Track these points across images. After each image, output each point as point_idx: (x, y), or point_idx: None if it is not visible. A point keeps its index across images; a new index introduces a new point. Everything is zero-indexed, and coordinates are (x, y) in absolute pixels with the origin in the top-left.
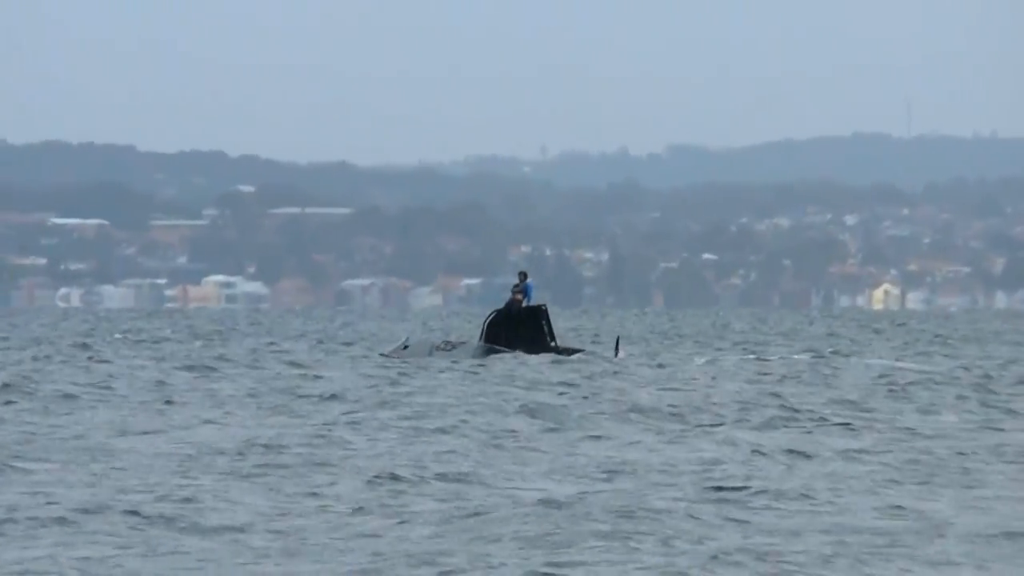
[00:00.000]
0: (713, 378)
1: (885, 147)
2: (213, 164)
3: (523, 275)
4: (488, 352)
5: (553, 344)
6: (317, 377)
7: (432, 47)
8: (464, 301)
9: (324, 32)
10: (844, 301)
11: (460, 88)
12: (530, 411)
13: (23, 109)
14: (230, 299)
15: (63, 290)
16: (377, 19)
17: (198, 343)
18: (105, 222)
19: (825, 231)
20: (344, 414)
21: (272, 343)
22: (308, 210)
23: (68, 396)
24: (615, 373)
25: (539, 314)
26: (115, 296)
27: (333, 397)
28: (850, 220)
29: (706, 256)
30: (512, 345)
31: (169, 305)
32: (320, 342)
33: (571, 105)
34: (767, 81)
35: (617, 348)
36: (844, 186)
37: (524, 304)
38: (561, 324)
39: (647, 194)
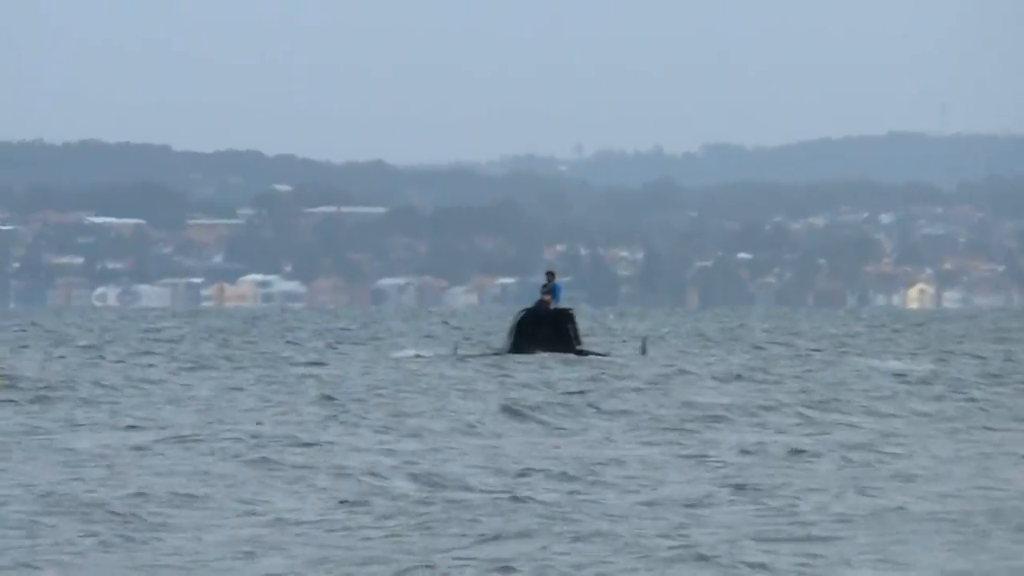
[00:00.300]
0: (713, 379)
1: (920, 146)
2: (249, 163)
3: (551, 275)
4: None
5: (578, 348)
6: (315, 377)
7: (468, 46)
8: (500, 300)
9: (360, 32)
10: (879, 300)
11: (496, 87)
12: (524, 411)
13: (60, 109)
14: (266, 298)
15: (100, 289)
16: (413, 18)
17: (212, 342)
18: (142, 221)
19: (860, 230)
20: (335, 414)
21: (291, 342)
22: (344, 209)
23: (69, 395)
24: (625, 376)
25: (566, 318)
26: (152, 295)
27: (328, 397)
28: (885, 219)
29: (741, 255)
30: (538, 346)
31: (205, 304)
32: (338, 342)
33: (607, 104)
34: (802, 80)
35: (644, 348)
36: (879, 185)
37: (553, 306)
38: (584, 324)
39: (682, 193)
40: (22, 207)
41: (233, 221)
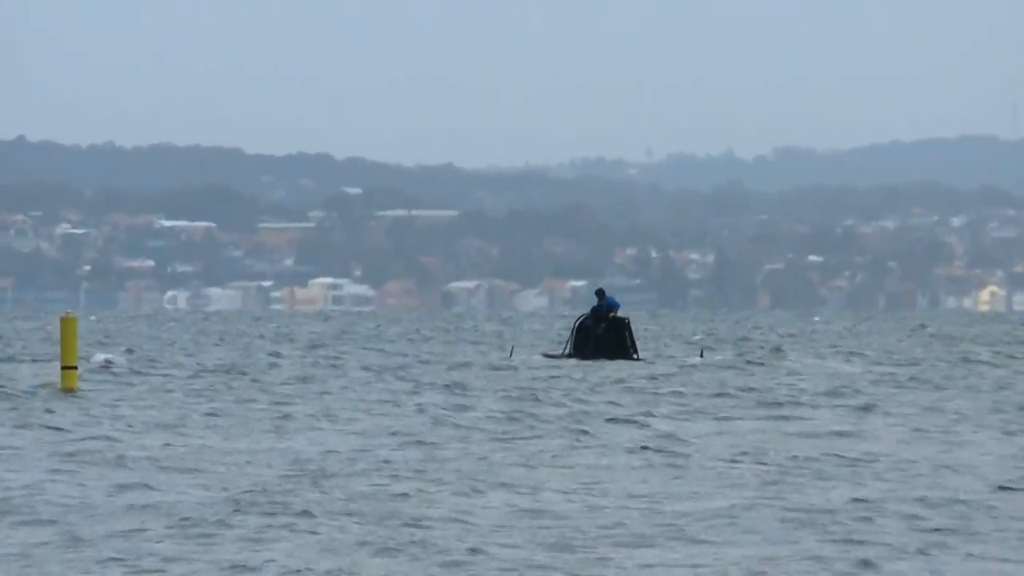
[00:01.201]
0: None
1: (991, 149)
2: (320, 166)
3: (601, 292)
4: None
5: (635, 356)
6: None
7: (539, 51)
8: (570, 303)
9: (430, 38)
10: (950, 303)
11: (566, 91)
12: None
13: (131, 113)
14: (336, 301)
15: (170, 292)
16: (484, 22)
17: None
18: (212, 224)
19: (931, 233)
20: (282, 418)
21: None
22: (414, 212)
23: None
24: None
25: (624, 326)
26: (222, 298)
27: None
28: (956, 222)
29: (812, 258)
30: (597, 352)
31: (275, 307)
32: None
33: (677, 107)
34: (873, 83)
35: (702, 352)
36: (950, 188)
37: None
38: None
39: (753, 196)
40: (93, 210)
41: (303, 224)
